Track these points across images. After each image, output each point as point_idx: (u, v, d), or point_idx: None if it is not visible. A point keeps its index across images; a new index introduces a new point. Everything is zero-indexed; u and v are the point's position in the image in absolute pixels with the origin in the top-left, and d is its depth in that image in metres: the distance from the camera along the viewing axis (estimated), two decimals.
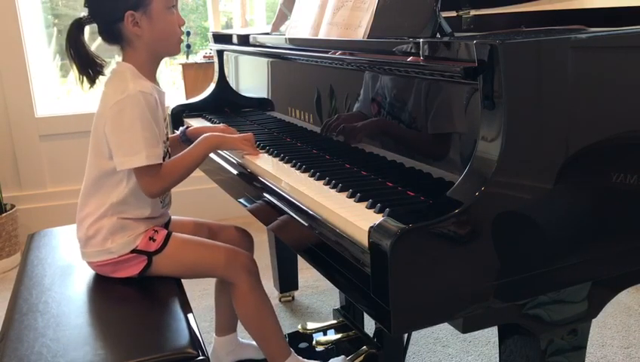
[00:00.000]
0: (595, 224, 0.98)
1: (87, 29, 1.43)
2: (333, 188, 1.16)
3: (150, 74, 1.43)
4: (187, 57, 3.16)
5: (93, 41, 1.49)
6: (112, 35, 1.39)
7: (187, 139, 1.68)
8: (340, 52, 1.32)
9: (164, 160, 1.42)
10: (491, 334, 2.03)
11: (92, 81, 1.43)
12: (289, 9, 1.71)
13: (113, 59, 1.53)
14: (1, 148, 2.99)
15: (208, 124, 1.94)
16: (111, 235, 1.40)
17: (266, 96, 1.80)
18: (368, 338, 1.72)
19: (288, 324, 2.16)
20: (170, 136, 1.74)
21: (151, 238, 1.43)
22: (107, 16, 1.37)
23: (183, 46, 3.29)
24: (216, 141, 1.48)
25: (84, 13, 1.41)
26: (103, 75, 1.44)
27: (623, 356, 1.92)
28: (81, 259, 1.46)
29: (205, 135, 1.49)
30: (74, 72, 1.43)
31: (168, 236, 1.45)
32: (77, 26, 1.40)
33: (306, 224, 1.10)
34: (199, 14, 3.84)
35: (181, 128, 1.71)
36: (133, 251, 1.41)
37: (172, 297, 1.34)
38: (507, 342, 1.09)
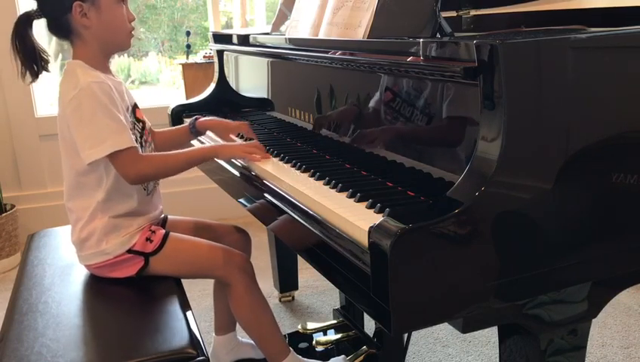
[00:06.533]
0: (595, 224, 0.97)
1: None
2: (333, 188, 1.16)
3: (102, 67, 1.41)
4: (187, 57, 3.16)
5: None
6: (60, 28, 1.39)
7: (196, 131, 1.66)
8: (339, 52, 1.32)
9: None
10: (491, 334, 2.03)
11: (35, 76, 1.42)
12: (289, 9, 1.71)
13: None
14: (1, 148, 2.99)
15: None
16: (105, 236, 1.40)
17: (266, 96, 1.80)
18: (368, 338, 1.72)
19: (288, 324, 2.16)
20: (179, 126, 1.74)
21: (148, 239, 1.43)
22: (55, 8, 1.37)
23: (183, 43, 3.28)
24: (219, 150, 1.45)
25: (33, 7, 1.40)
26: (47, 70, 1.43)
27: (623, 356, 1.92)
28: (79, 263, 1.46)
29: (214, 145, 1.45)
30: (16, 65, 1.41)
31: (166, 236, 1.45)
32: (25, 20, 1.40)
33: (306, 224, 1.10)
34: (199, 14, 3.84)
35: (191, 118, 1.69)
36: (130, 251, 1.41)
37: (172, 297, 1.34)
38: (507, 342, 1.09)
